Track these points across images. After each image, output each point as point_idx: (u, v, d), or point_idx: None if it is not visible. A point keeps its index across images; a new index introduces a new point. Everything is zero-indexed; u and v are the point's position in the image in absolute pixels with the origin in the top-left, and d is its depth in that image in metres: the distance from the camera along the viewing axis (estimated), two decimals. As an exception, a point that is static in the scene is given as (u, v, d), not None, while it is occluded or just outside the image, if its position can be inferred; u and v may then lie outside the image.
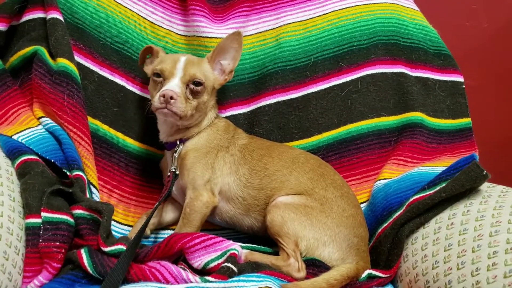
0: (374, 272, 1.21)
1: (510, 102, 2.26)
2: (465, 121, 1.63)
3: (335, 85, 1.59)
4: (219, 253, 1.15)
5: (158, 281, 1.05)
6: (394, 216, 1.27)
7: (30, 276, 1.09)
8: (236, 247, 1.19)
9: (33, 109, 1.40)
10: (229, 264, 1.11)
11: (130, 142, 1.54)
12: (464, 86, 1.66)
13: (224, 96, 1.60)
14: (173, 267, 1.09)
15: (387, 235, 1.25)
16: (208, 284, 1.03)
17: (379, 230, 1.31)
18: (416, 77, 1.64)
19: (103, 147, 1.49)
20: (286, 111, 1.58)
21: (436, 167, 1.41)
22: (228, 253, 1.15)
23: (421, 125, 1.56)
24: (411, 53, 1.66)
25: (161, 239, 1.22)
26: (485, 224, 1.04)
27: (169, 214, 1.52)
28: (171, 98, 1.28)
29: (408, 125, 1.57)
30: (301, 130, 1.58)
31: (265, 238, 1.40)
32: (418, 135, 1.55)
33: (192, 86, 1.34)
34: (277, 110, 1.58)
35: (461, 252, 1.03)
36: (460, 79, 1.67)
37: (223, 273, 1.08)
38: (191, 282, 1.05)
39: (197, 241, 1.15)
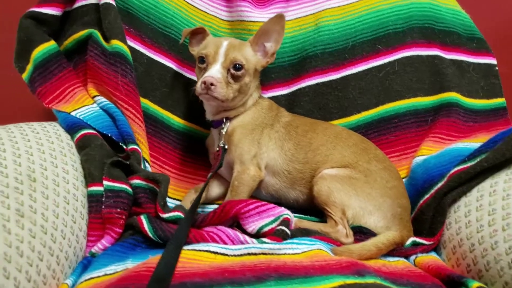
0: (418, 240, 1.26)
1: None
2: (500, 101, 1.68)
3: (373, 67, 1.66)
4: (272, 218, 1.22)
5: (217, 243, 1.12)
6: (436, 188, 1.32)
7: (94, 240, 1.16)
8: (288, 212, 1.25)
9: (87, 89, 1.47)
10: (283, 227, 1.18)
11: (177, 121, 1.62)
12: (497, 68, 1.70)
13: (266, 78, 1.67)
14: (230, 230, 1.15)
15: (429, 204, 1.31)
16: (264, 245, 1.09)
17: (421, 201, 1.36)
18: (450, 59, 1.70)
19: (153, 125, 1.56)
20: (325, 91, 1.65)
21: (473, 142, 1.45)
22: (281, 218, 1.22)
23: (457, 105, 1.62)
24: (446, 37, 1.71)
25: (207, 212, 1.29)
26: (527, 189, 1.09)
27: (214, 189, 1.59)
28: (212, 84, 1.34)
29: (444, 104, 1.62)
30: (341, 110, 1.65)
31: (309, 210, 1.46)
32: (455, 114, 1.60)
33: (233, 71, 1.39)
34: (317, 91, 1.65)
35: (506, 215, 1.07)
36: (493, 61, 1.72)
37: (278, 235, 1.15)
38: (248, 243, 1.12)
39: (251, 207, 1.22)
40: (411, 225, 1.34)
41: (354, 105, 1.64)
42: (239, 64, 1.40)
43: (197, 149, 1.63)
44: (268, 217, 1.22)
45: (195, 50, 1.51)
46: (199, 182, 1.62)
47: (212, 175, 1.33)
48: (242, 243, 1.12)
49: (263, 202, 1.25)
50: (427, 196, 1.35)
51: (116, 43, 1.44)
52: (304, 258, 1.04)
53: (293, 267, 0.98)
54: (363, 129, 1.62)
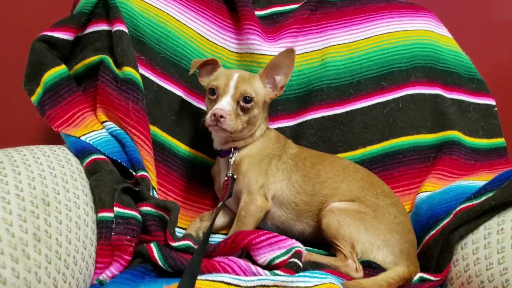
0: (425, 276, 1.27)
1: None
2: (499, 140, 1.74)
3: (377, 103, 1.71)
4: (283, 250, 1.21)
5: (229, 273, 1.10)
6: (442, 224, 1.34)
7: (102, 267, 1.13)
8: (300, 244, 1.25)
9: (96, 114, 1.47)
10: (296, 260, 1.17)
11: (185, 149, 1.62)
12: (496, 109, 1.76)
13: (272, 109, 1.70)
14: (241, 261, 1.14)
15: (436, 241, 1.32)
16: (277, 277, 1.08)
17: (427, 237, 1.38)
18: (451, 99, 1.75)
19: (161, 153, 1.56)
20: (330, 125, 1.68)
21: (476, 181, 1.49)
22: (293, 250, 1.21)
23: (459, 143, 1.66)
24: (447, 77, 1.77)
25: (213, 242, 1.29)
26: (535, 228, 1.11)
27: (219, 219, 1.58)
28: (221, 116, 1.36)
29: (446, 142, 1.67)
30: (346, 143, 1.68)
31: (315, 243, 1.46)
32: (457, 152, 1.64)
33: (242, 103, 1.41)
34: (322, 124, 1.68)
35: (515, 253, 1.10)
36: (492, 102, 1.78)
37: (290, 268, 1.14)
38: (261, 275, 1.11)
39: (262, 238, 1.21)
40: (417, 261, 1.35)
41: (359, 140, 1.67)
42: (248, 97, 1.42)
43: (203, 177, 1.63)
44: (279, 249, 1.22)
45: (205, 81, 1.53)
46: (204, 210, 1.61)
47: (223, 204, 1.32)
48: (254, 274, 1.11)
49: (274, 234, 1.25)
50: (433, 232, 1.36)
51: (128, 69, 1.45)
52: (317, 291, 1.04)
53: (307, 300, 0.98)
54: (368, 163, 1.65)
